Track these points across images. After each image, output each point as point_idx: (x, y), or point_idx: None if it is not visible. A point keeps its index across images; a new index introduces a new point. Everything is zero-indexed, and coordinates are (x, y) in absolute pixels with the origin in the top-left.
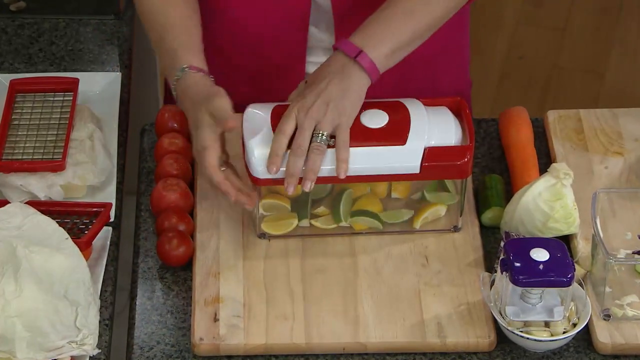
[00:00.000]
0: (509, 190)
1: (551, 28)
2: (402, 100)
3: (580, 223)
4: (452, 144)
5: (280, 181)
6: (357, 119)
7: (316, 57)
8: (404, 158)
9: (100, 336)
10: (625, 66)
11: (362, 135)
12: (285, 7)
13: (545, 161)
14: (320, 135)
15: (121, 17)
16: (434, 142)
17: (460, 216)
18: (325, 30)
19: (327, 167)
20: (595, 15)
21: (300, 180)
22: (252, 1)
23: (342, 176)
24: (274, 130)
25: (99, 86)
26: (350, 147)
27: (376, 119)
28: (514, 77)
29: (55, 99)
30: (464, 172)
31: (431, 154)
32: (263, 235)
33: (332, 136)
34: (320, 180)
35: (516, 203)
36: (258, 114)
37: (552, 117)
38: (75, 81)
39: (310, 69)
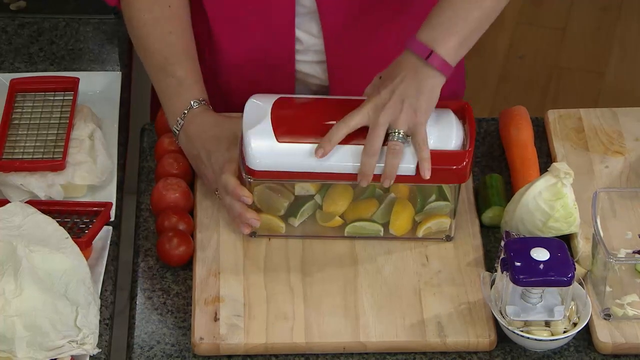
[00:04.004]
0: (509, 190)
1: (551, 28)
2: None
3: (581, 222)
4: (452, 148)
5: (275, 174)
6: None
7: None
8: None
9: (100, 336)
10: (625, 66)
11: (360, 134)
12: (269, 22)
13: (546, 160)
14: (396, 133)
15: (121, 16)
16: (432, 145)
17: (453, 226)
18: (317, 35)
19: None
20: (595, 14)
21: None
22: (235, 21)
23: (427, 176)
24: (273, 122)
25: (99, 86)
26: (348, 144)
27: None
28: (514, 77)
29: (56, 98)
30: (461, 177)
31: None
32: (253, 234)
33: (407, 135)
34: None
35: (516, 202)
36: (259, 106)
37: (553, 116)
38: (76, 80)
39: (301, 66)
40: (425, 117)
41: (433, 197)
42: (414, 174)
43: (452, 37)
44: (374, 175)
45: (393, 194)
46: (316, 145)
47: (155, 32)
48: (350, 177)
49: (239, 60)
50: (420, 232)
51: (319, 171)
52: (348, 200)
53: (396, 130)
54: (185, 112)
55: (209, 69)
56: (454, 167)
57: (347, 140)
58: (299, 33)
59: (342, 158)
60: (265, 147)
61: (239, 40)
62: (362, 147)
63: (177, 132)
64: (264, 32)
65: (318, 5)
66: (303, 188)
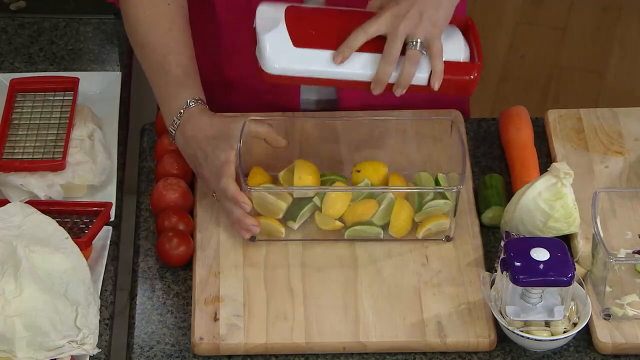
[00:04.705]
0: (509, 190)
1: (551, 27)
2: None
3: (581, 222)
4: (461, 61)
5: (288, 78)
6: None
7: None
8: None
9: (100, 336)
10: (626, 66)
11: (372, 43)
12: None
13: (546, 161)
14: (414, 42)
15: (121, 16)
16: (443, 57)
17: (453, 226)
18: None
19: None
20: (595, 14)
21: (389, 87)
22: (243, 18)
23: (437, 87)
24: (288, 27)
25: (99, 86)
26: (361, 52)
27: None
28: (514, 77)
29: (56, 98)
30: (469, 89)
31: None
32: (253, 238)
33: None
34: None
35: (516, 202)
36: (272, 11)
37: (552, 116)
38: (76, 81)
39: None
40: (440, 31)
41: (431, 195)
42: (425, 84)
43: None
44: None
45: (392, 195)
46: (332, 51)
47: (153, 29)
48: (364, 84)
49: (244, 45)
50: (420, 234)
51: (334, 77)
52: (347, 202)
53: (415, 40)
54: (182, 111)
55: (211, 58)
56: (465, 77)
57: (363, 48)
58: None
59: (358, 65)
60: (282, 51)
61: (245, 26)
62: (377, 55)
63: (174, 132)
64: None
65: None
66: (302, 191)
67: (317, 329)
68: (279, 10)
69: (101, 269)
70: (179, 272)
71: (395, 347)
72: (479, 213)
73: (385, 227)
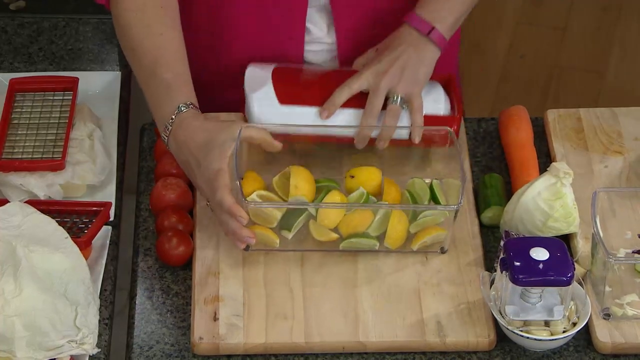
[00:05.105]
0: (509, 190)
1: (551, 27)
2: None
3: (580, 222)
4: (441, 115)
5: (276, 135)
6: None
7: (314, 55)
8: None
9: (99, 335)
10: (625, 66)
11: (356, 98)
12: (282, 10)
13: (545, 160)
14: (395, 98)
15: None
16: (424, 111)
17: (449, 239)
18: (327, 30)
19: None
20: (595, 14)
21: (372, 141)
22: (250, 7)
23: (417, 141)
24: (275, 88)
25: (99, 85)
26: (344, 108)
27: None
28: (514, 77)
29: (55, 98)
30: (450, 141)
31: None
32: (247, 247)
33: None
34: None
35: (516, 202)
36: (260, 72)
37: (552, 116)
38: (75, 80)
39: (310, 56)
40: (421, 87)
41: (425, 203)
42: (406, 137)
43: (450, 16)
44: (370, 139)
45: (387, 203)
46: (316, 108)
47: (144, 33)
48: (348, 139)
49: (248, 38)
50: (416, 246)
51: (319, 133)
52: (342, 211)
53: (396, 96)
54: (173, 117)
55: (211, 57)
56: (444, 132)
57: (347, 104)
58: (308, 25)
59: (343, 121)
60: (269, 109)
61: (251, 17)
62: (360, 111)
63: (166, 138)
64: (277, 17)
65: (331, 4)
66: (297, 200)
67: (316, 329)
68: (267, 71)
69: (101, 268)
70: (178, 272)
71: (395, 347)
72: (479, 213)
73: (380, 237)
